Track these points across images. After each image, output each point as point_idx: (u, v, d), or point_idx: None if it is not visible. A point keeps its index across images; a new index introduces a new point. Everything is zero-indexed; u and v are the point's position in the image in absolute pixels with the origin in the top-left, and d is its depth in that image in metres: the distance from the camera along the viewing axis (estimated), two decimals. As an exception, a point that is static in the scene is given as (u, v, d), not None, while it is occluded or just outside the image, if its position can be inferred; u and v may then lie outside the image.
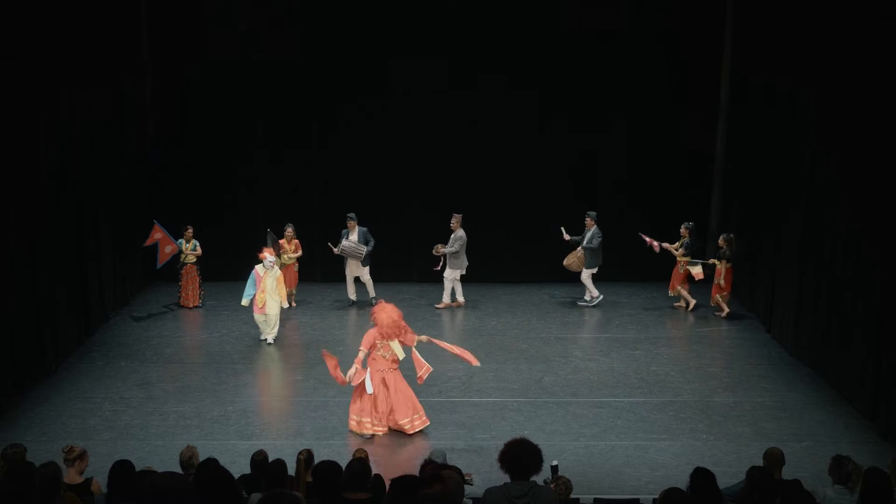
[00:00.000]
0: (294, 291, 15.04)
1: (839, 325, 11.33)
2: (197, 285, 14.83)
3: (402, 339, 10.23)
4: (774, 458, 7.22)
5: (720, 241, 14.40)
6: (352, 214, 14.59)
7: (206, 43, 15.55)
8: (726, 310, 14.37)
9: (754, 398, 11.35)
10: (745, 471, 6.38)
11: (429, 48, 15.54)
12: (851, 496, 6.56)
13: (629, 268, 15.84)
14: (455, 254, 14.66)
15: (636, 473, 9.40)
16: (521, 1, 15.56)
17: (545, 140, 15.91)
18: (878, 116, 10.41)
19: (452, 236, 14.70)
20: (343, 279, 15.07)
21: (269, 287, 12.95)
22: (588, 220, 14.78)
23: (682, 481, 5.99)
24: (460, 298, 14.99)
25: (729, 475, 7.90)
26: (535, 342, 13.37)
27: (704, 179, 16.13)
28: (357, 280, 14.96)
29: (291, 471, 6.92)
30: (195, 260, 14.75)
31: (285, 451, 8.05)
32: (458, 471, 6.80)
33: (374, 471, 6.60)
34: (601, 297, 14.99)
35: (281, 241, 14.62)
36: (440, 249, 14.76)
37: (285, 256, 14.60)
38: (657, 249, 14.70)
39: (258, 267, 13.04)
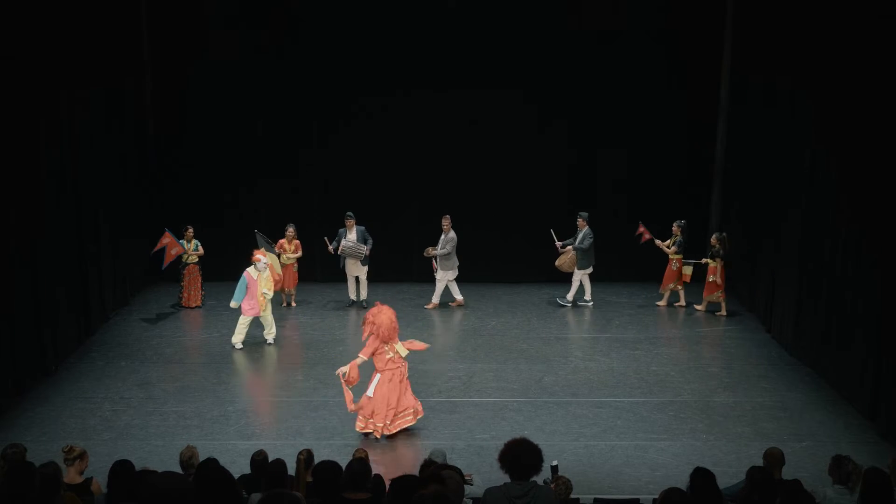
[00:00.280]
0: (294, 291, 15.04)
1: (839, 325, 11.33)
2: (199, 286, 14.84)
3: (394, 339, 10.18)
4: (774, 458, 7.22)
5: (713, 239, 14.45)
6: (350, 213, 14.59)
7: (206, 43, 15.55)
8: (724, 310, 14.46)
9: (754, 398, 11.35)
10: (745, 471, 6.39)
11: (429, 48, 15.54)
12: (851, 496, 6.56)
13: (629, 268, 15.86)
14: (447, 255, 14.65)
15: (636, 473, 9.40)
16: (520, 1, 15.56)
17: (545, 140, 15.91)
18: (878, 116, 10.40)
19: (443, 238, 14.68)
20: (343, 279, 15.07)
21: (264, 288, 12.93)
22: (580, 221, 14.76)
23: (682, 481, 5.99)
24: (459, 297, 14.97)
25: (729, 475, 7.91)
26: (535, 342, 13.37)
27: (704, 179, 16.13)
28: (356, 279, 14.96)
29: (291, 471, 6.92)
30: (197, 260, 14.77)
31: (285, 451, 8.05)
32: (458, 471, 6.79)
33: (374, 471, 6.60)
34: (591, 302, 14.96)
35: (281, 241, 14.62)
36: (431, 252, 14.76)
37: (284, 256, 14.60)
38: (646, 238, 14.71)
39: (250, 270, 12.88)
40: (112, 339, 13.35)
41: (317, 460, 6.69)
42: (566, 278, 15.17)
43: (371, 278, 14.99)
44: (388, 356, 10.06)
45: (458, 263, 14.79)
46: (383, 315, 10.06)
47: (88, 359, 12.58)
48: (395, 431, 10.10)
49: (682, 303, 14.88)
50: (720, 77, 15.64)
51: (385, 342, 10.03)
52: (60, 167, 12.36)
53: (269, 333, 13.20)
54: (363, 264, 14.66)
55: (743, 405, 11.14)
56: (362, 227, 14.63)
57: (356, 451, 7.77)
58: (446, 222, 14.70)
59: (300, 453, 7.16)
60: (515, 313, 14.70)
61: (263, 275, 12.94)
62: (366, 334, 10.11)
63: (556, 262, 14.95)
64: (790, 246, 12.87)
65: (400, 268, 16.00)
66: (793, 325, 12.74)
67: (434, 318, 14.56)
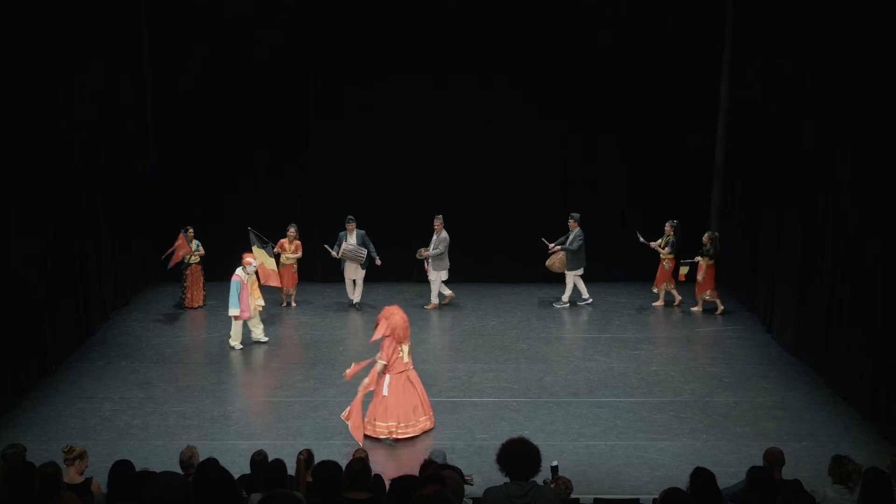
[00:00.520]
0: (294, 291, 15.03)
1: (839, 326, 11.33)
2: (201, 286, 14.85)
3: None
4: (774, 458, 7.22)
5: (704, 238, 14.44)
6: (351, 217, 14.57)
7: (206, 43, 15.55)
8: (720, 308, 14.53)
9: (754, 398, 11.35)
10: (745, 471, 6.40)
11: (429, 48, 15.54)
12: (851, 496, 6.56)
13: (629, 268, 15.84)
14: (440, 255, 14.64)
15: (636, 473, 9.40)
16: (520, 1, 15.55)
17: (545, 140, 15.91)
18: (878, 116, 10.40)
19: (436, 238, 14.67)
20: (343, 280, 15.06)
21: (258, 300, 12.92)
22: (571, 222, 14.75)
23: (682, 481, 5.99)
24: (448, 292, 14.93)
25: (729, 475, 7.90)
26: (535, 342, 13.37)
27: (704, 179, 16.13)
28: (353, 282, 14.94)
29: (291, 471, 6.92)
30: (199, 260, 14.77)
31: (285, 451, 8.06)
32: (458, 471, 6.80)
33: (374, 471, 6.60)
34: (590, 300, 14.96)
35: (282, 241, 14.61)
36: (423, 253, 14.74)
37: (284, 256, 14.60)
38: (641, 241, 14.79)
39: (240, 272, 12.77)
40: (112, 339, 13.35)
41: (317, 460, 6.69)
42: (563, 278, 15.15)
43: (370, 279, 14.97)
44: (401, 357, 10.03)
45: (448, 265, 14.76)
46: (397, 316, 10.00)
47: (88, 359, 12.58)
48: (407, 436, 10.04)
49: (677, 302, 14.87)
50: (720, 76, 15.63)
51: (399, 343, 10.02)
52: (60, 167, 12.36)
53: (258, 334, 13.16)
54: (362, 268, 14.64)
55: (743, 405, 11.13)
56: (363, 231, 14.61)
57: (356, 451, 7.78)
58: (438, 222, 14.67)
59: (300, 453, 7.17)
60: (515, 313, 14.70)
61: (252, 277, 12.91)
62: (379, 335, 10.00)
63: (547, 262, 14.93)
64: (790, 246, 12.86)
65: (400, 268, 15.98)
66: (793, 325, 12.73)
67: (434, 318, 14.56)
